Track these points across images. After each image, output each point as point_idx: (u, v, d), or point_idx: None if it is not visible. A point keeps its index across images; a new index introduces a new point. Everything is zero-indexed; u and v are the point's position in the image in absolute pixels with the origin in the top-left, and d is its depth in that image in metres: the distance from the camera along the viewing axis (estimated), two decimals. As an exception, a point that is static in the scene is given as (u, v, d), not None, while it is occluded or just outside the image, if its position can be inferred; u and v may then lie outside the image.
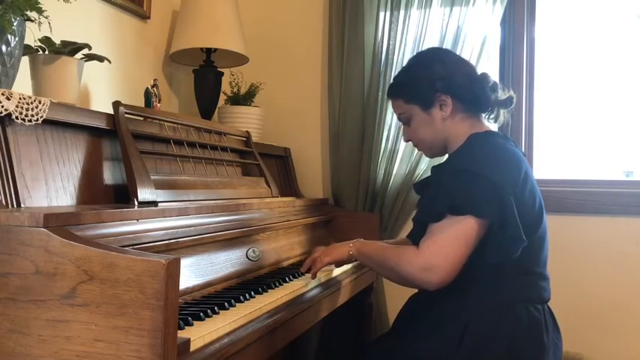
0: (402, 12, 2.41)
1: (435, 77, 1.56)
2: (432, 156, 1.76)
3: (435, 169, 1.68)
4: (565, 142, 2.52)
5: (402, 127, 1.71)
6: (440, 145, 1.62)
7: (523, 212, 1.40)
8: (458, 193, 1.40)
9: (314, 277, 1.72)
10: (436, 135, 1.60)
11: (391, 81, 1.71)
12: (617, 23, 2.46)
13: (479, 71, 1.63)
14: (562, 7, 2.55)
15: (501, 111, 1.62)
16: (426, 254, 1.39)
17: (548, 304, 1.53)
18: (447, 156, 1.65)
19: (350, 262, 1.75)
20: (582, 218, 2.31)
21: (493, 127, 1.67)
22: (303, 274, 1.77)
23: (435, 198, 1.46)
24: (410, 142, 1.71)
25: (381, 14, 2.44)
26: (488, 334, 1.41)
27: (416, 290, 1.62)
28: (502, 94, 1.60)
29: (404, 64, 1.75)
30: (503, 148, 1.51)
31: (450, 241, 1.38)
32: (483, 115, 1.61)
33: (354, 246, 1.64)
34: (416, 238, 1.50)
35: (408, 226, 2.08)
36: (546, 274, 1.52)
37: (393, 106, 1.69)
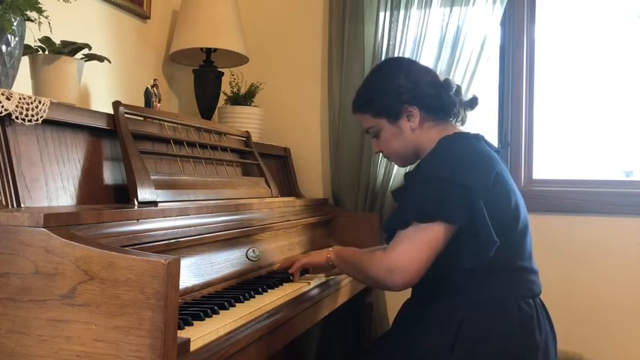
0: (402, 12, 2.40)
1: (401, 89, 1.57)
2: (403, 165, 1.77)
3: (407, 175, 1.69)
4: (565, 142, 2.52)
5: (372, 139, 1.71)
6: (411, 154, 1.64)
7: (496, 212, 1.41)
8: (426, 200, 1.41)
9: (295, 278, 1.72)
10: (406, 145, 1.61)
11: (355, 95, 1.69)
12: (617, 23, 2.46)
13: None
14: (562, 8, 2.55)
15: (467, 113, 1.64)
16: (391, 257, 1.42)
17: (540, 297, 1.54)
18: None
19: (328, 269, 1.74)
20: (582, 218, 2.31)
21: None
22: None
23: (404, 206, 1.48)
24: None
25: (381, 14, 2.44)
26: (482, 334, 1.41)
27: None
28: (465, 97, 1.63)
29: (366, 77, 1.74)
30: (472, 148, 1.52)
31: (415, 246, 1.40)
32: (451, 119, 1.62)
33: (332, 251, 1.67)
34: (389, 241, 1.51)
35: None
36: (534, 268, 1.53)
37: (360, 120, 1.69)
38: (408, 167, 2.37)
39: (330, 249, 1.69)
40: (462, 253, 1.42)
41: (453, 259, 1.42)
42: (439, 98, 1.57)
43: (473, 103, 1.65)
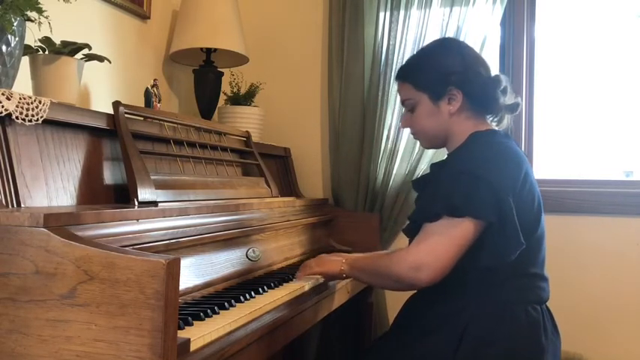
0: (402, 12, 2.40)
1: (451, 70, 1.53)
2: (428, 147, 1.74)
3: (434, 166, 1.66)
4: (565, 142, 2.52)
5: (404, 112, 1.67)
6: (440, 138, 1.60)
7: (522, 213, 1.40)
8: (456, 194, 1.39)
9: (299, 279, 1.68)
10: (439, 128, 1.57)
11: (403, 63, 1.66)
12: (617, 23, 2.46)
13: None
14: (562, 7, 2.55)
15: (505, 115, 1.60)
16: (416, 253, 1.39)
17: (547, 304, 1.53)
18: (444, 151, 1.64)
19: (339, 278, 1.68)
20: (582, 218, 2.31)
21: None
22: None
23: (432, 198, 1.45)
24: (408, 133, 1.69)
25: (381, 14, 2.44)
26: (487, 336, 1.40)
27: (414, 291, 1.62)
28: (509, 99, 1.57)
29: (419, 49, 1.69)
30: (504, 147, 1.50)
31: (443, 241, 1.37)
32: (488, 116, 1.59)
33: (346, 262, 1.59)
34: (411, 233, 1.50)
35: (408, 226, 2.07)
36: (545, 275, 1.52)
37: (400, 90, 1.64)
38: (411, 162, 2.39)
39: (343, 259, 1.61)
40: (482, 251, 1.39)
41: (472, 258, 1.40)
42: (485, 91, 1.53)
43: (515, 107, 1.59)
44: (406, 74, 1.61)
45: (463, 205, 1.37)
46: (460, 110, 1.55)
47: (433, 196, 1.45)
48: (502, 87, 1.54)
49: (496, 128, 1.60)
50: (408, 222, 1.58)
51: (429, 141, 1.65)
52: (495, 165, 1.43)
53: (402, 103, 1.65)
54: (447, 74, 1.53)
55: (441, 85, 1.54)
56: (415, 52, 1.68)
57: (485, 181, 1.38)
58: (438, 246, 1.38)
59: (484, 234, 1.39)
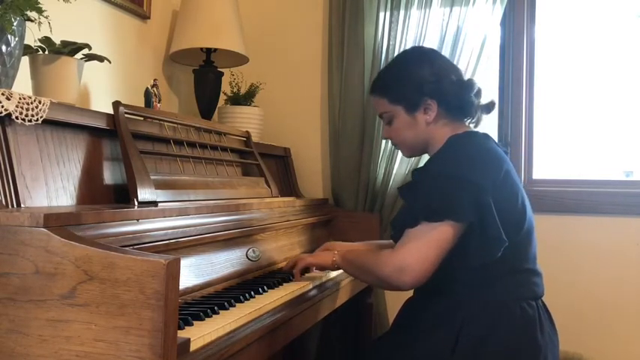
0: (402, 12, 2.40)
1: (424, 81, 1.55)
2: (410, 156, 1.78)
3: (415, 172, 1.68)
4: (565, 142, 2.52)
5: (382, 124, 1.69)
6: (420, 147, 1.63)
7: (504, 211, 1.41)
8: (435, 198, 1.40)
9: (296, 276, 1.72)
10: (418, 138, 1.60)
11: (375, 77, 1.69)
12: (617, 23, 2.46)
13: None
14: (562, 7, 2.55)
15: (482, 116, 1.63)
16: (400, 255, 1.41)
17: (543, 299, 1.53)
18: (426, 156, 1.66)
19: (332, 269, 1.74)
20: (582, 218, 2.31)
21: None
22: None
23: (412, 203, 1.47)
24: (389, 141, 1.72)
25: (381, 14, 2.44)
26: (484, 334, 1.41)
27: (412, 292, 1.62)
28: (484, 100, 1.61)
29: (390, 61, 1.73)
30: (481, 147, 1.52)
31: (424, 244, 1.39)
32: (465, 119, 1.61)
33: (338, 253, 1.66)
34: (395, 239, 1.51)
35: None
36: (537, 270, 1.53)
37: (375, 104, 1.67)
38: (411, 162, 2.39)
39: (336, 251, 1.67)
40: (469, 251, 1.41)
41: (460, 258, 1.41)
42: (460, 97, 1.56)
43: (490, 106, 1.63)
44: (379, 89, 1.64)
45: (441, 209, 1.39)
46: (437, 118, 1.57)
47: (414, 201, 1.47)
48: (475, 90, 1.58)
49: (474, 130, 1.62)
50: (392, 229, 1.60)
51: (410, 150, 1.68)
52: (473, 165, 1.44)
53: (380, 116, 1.68)
54: (420, 85, 1.55)
55: (414, 96, 1.56)
56: (385, 66, 1.70)
57: (463, 182, 1.39)
58: (419, 250, 1.39)
59: (467, 234, 1.41)
